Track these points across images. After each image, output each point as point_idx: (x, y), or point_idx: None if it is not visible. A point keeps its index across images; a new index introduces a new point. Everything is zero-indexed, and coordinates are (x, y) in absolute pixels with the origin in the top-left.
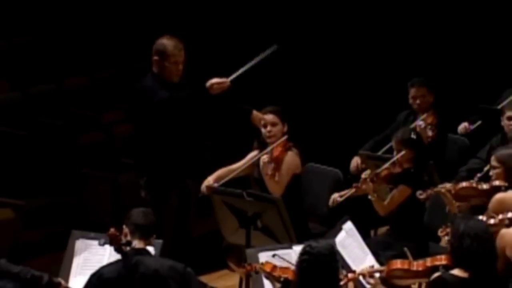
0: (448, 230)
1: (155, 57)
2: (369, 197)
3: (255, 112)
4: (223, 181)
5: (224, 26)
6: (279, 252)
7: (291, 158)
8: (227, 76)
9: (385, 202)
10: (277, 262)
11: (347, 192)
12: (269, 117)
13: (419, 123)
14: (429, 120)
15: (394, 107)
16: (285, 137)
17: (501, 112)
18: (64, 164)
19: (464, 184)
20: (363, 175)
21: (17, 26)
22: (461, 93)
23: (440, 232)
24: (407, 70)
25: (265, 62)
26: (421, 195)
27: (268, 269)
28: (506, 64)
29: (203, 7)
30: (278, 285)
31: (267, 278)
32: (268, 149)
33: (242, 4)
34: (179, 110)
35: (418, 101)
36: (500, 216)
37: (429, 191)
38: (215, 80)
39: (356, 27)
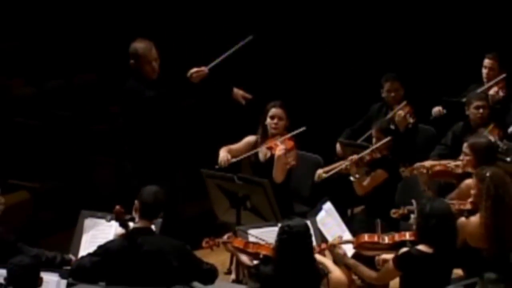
0: (401, 211)
1: (131, 61)
2: (351, 178)
3: (235, 90)
4: (238, 159)
5: (201, 20)
6: (266, 229)
7: (296, 152)
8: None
9: (365, 183)
10: (253, 239)
11: (332, 169)
12: (279, 111)
13: (399, 112)
14: (407, 109)
15: (366, 100)
16: (297, 131)
17: (463, 103)
18: (74, 151)
19: (440, 166)
20: (351, 158)
21: (30, 28)
22: (429, 86)
23: (392, 214)
24: (378, 66)
25: (241, 51)
26: (403, 172)
27: (239, 245)
28: (469, 60)
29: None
30: (247, 260)
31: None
32: (278, 140)
33: None
34: (167, 105)
35: (392, 94)
36: (457, 206)
37: (410, 169)
38: (193, 69)
39: (335, 28)
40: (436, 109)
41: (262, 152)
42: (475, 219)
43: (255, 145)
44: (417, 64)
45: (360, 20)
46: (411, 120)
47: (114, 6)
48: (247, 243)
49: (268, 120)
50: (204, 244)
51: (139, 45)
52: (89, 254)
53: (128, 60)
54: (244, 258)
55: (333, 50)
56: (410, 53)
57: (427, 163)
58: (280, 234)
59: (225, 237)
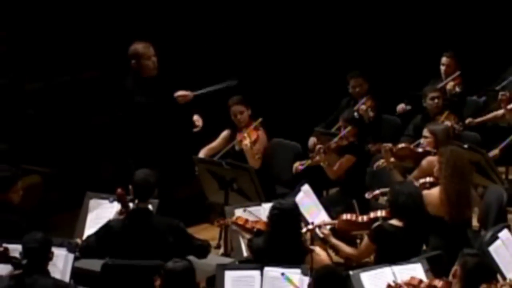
0: (375, 193)
1: (133, 61)
2: (322, 164)
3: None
4: (218, 156)
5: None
6: (251, 208)
7: (262, 137)
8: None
9: (335, 168)
10: (248, 216)
11: (306, 162)
12: (237, 108)
13: (361, 106)
14: (369, 104)
15: (338, 94)
16: (256, 123)
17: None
18: (79, 140)
19: (403, 144)
20: (317, 148)
21: (39, 30)
22: (392, 81)
23: (367, 195)
24: (346, 64)
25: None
26: (372, 147)
27: (241, 222)
28: (429, 58)
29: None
30: (246, 235)
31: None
32: (245, 133)
33: None
34: (153, 112)
35: (357, 89)
36: (421, 181)
37: (377, 145)
38: (181, 92)
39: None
40: (400, 107)
41: (237, 143)
42: (436, 189)
43: (229, 138)
44: (384, 61)
45: (332, 23)
46: (371, 114)
47: (116, 8)
48: (247, 220)
49: (232, 117)
50: (215, 224)
51: (138, 45)
52: (94, 234)
53: (127, 58)
54: (246, 235)
55: (309, 52)
56: (378, 51)
57: (390, 144)
58: (272, 210)
59: (234, 218)
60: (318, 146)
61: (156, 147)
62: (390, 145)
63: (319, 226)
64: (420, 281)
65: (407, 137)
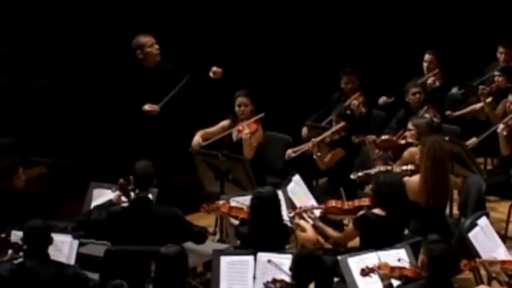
0: (359, 174)
1: (137, 51)
2: (314, 156)
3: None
4: (208, 142)
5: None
6: (245, 198)
7: (260, 131)
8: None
9: (326, 160)
10: (235, 204)
11: (300, 149)
12: (244, 99)
13: (353, 102)
14: (361, 99)
15: (327, 89)
16: (258, 117)
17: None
18: (83, 133)
19: (386, 136)
20: (312, 140)
21: (46, 31)
22: (381, 78)
23: (352, 175)
24: (341, 61)
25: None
26: (356, 138)
27: (225, 210)
28: (413, 56)
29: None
30: (234, 221)
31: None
32: (245, 124)
33: None
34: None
35: (349, 86)
36: (403, 167)
37: (361, 137)
38: (147, 106)
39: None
40: (382, 99)
41: (234, 134)
42: (416, 177)
43: (228, 128)
44: (372, 59)
45: (324, 22)
46: (363, 110)
47: (117, 9)
48: (231, 207)
49: (236, 108)
50: (201, 209)
51: (139, 37)
52: (96, 215)
53: (127, 57)
54: (233, 221)
55: (301, 49)
56: (367, 50)
57: (374, 136)
58: (253, 200)
59: (220, 204)
60: (314, 140)
61: (154, 138)
62: (373, 137)
63: (306, 210)
64: (393, 268)
65: (389, 130)
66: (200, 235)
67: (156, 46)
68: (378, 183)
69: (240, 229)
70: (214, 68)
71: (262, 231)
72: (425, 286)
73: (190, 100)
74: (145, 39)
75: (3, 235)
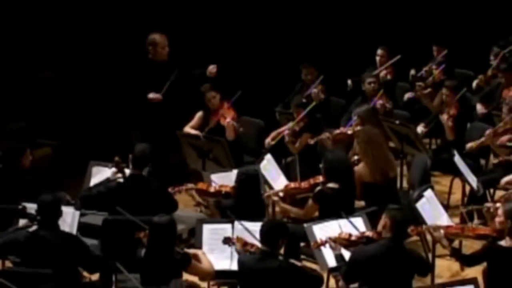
0: (320, 137)
1: (150, 47)
2: (287, 144)
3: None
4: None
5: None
6: (223, 174)
7: (235, 115)
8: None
9: (296, 145)
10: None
11: (276, 136)
12: (209, 94)
13: (313, 90)
14: (320, 87)
15: (293, 78)
16: (227, 105)
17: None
18: (84, 118)
19: (337, 131)
20: (287, 133)
21: (52, 29)
22: (340, 69)
23: (312, 141)
24: (300, 53)
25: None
26: (311, 140)
27: (203, 187)
28: (367, 50)
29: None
30: (210, 199)
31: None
32: (224, 112)
33: None
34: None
35: (308, 77)
36: (354, 157)
37: (315, 138)
38: (151, 95)
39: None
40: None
41: (212, 122)
42: (362, 164)
43: (205, 117)
44: (333, 53)
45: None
46: (322, 96)
47: (118, 9)
48: (209, 185)
49: (207, 101)
50: (170, 189)
51: (156, 35)
52: (96, 190)
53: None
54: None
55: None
56: (327, 44)
57: (327, 134)
58: (240, 175)
59: (189, 185)
60: (287, 134)
61: (156, 121)
62: (327, 134)
63: (275, 194)
64: (350, 235)
65: (348, 114)
66: (174, 204)
67: (167, 49)
68: (328, 160)
69: (223, 201)
70: (211, 68)
71: (246, 203)
72: (388, 245)
73: (188, 93)
74: (161, 39)
75: (20, 207)
